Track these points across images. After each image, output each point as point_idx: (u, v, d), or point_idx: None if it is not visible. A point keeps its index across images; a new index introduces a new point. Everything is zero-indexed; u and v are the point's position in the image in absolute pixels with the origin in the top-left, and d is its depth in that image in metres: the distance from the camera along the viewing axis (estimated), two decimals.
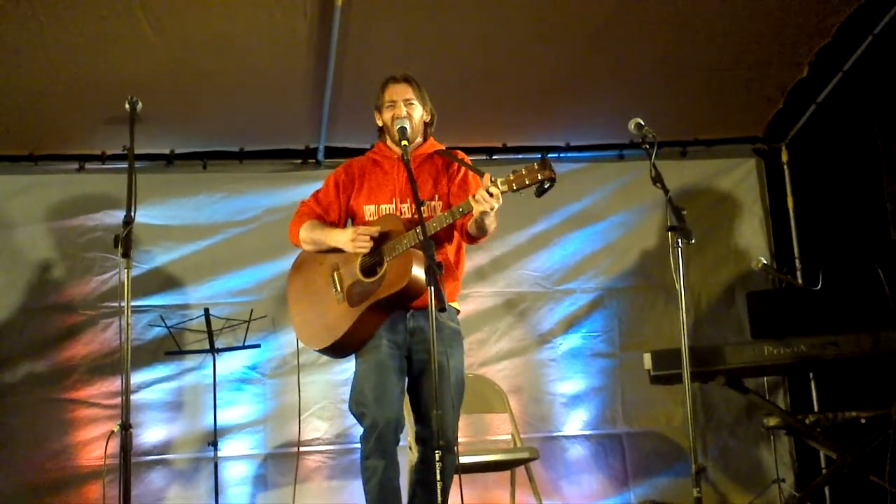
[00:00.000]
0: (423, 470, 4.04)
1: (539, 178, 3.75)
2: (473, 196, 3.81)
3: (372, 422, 3.97)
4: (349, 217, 4.31)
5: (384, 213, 4.18)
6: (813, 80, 6.33)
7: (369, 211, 4.20)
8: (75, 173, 6.32)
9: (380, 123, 4.29)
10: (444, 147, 4.33)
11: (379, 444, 3.96)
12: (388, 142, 4.27)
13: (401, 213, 4.14)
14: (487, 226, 3.97)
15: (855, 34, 5.96)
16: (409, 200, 4.13)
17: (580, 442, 6.54)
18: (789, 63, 6.23)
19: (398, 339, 4.09)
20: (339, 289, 4.13)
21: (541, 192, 3.78)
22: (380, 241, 4.05)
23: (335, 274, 4.15)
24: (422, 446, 4.08)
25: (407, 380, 4.15)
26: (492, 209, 3.81)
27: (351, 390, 4.12)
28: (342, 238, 4.10)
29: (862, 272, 5.32)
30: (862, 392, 5.73)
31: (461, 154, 4.28)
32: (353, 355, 4.17)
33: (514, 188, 3.79)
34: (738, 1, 5.67)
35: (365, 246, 4.03)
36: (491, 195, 3.77)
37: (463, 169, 4.22)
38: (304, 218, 4.27)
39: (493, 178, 3.81)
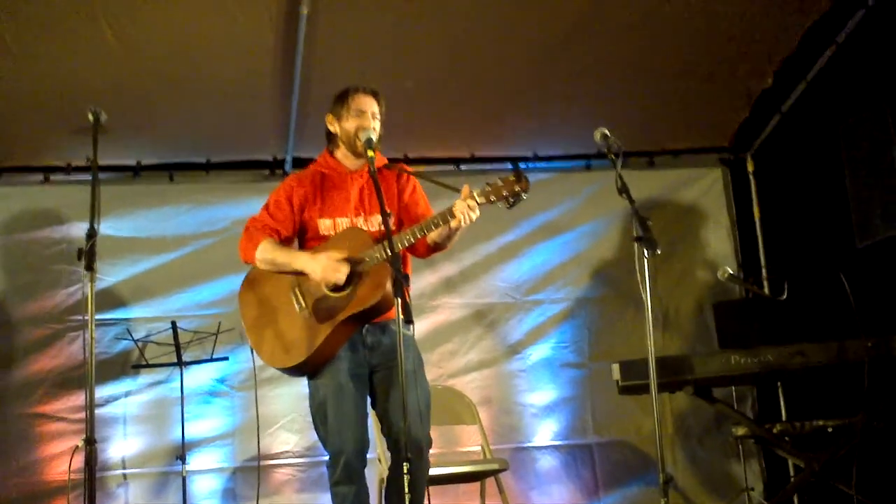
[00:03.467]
0: (396, 480, 3.97)
1: (515, 189, 3.80)
2: (453, 208, 3.82)
3: (337, 450, 3.95)
4: (301, 231, 4.22)
5: (340, 226, 4.12)
6: (778, 89, 6.38)
7: (325, 225, 4.14)
8: (40, 185, 6.27)
9: (334, 129, 4.21)
10: (387, 161, 4.26)
11: (346, 471, 3.93)
12: (339, 153, 4.21)
13: None
14: (455, 239, 4.00)
15: (818, 43, 6.01)
16: (363, 214, 4.11)
17: (550, 452, 6.54)
18: (754, 73, 6.29)
19: (359, 357, 4.06)
20: (303, 305, 4.03)
21: (514, 203, 3.82)
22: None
23: (296, 290, 4.06)
24: (394, 455, 4.03)
25: (373, 393, 4.11)
26: (471, 221, 3.83)
27: (312, 414, 4.08)
28: (313, 266, 3.97)
29: (828, 281, 5.34)
30: (829, 401, 5.76)
31: (408, 168, 4.27)
32: (307, 377, 4.10)
33: (491, 200, 3.83)
34: (702, 11, 5.70)
35: (340, 278, 3.93)
36: (469, 206, 3.79)
37: (412, 182, 4.22)
38: (259, 235, 4.12)
39: (470, 190, 3.82)
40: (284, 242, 4.17)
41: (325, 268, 3.94)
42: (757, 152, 6.97)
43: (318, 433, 4.07)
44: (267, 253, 4.09)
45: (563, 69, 6.03)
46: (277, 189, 4.26)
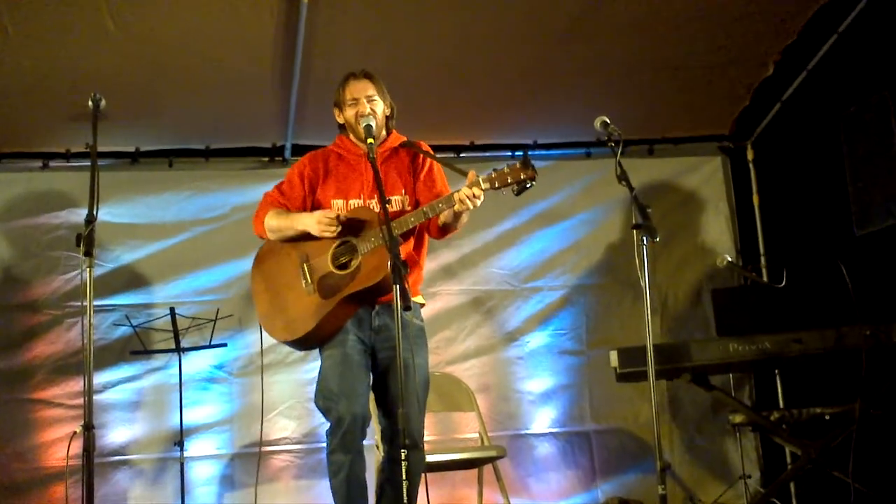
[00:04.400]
0: (390, 469, 4.02)
1: (521, 176, 3.81)
2: (457, 193, 3.84)
3: (338, 416, 3.96)
4: (314, 210, 4.26)
5: (352, 207, 4.16)
6: (778, 78, 6.37)
7: (337, 205, 4.18)
8: (39, 171, 6.26)
9: (340, 121, 4.28)
10: (406, 139, 4.31)
11: (345, 440, 3.95)
12: (352, 137, 4.26)
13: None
14: (463, 220, 4.03)
15: (820, 33, 6.00)
16: (376, 197, 4.12)
17: (548, 440, 6.55)
18: (755, 62, 6.27)
19: (364, 335, 4.10)
20: (309, 280, 4.10)
21: (521, 190, 3.82)
22: (353, 233, 4.04)
23: (305, 265, 4.12)
24: (388, 445, 4.07)
25: (372, 377, 4.14)
26: (474, 207, 3.84)
27: (317, 384, 4.11)
28: (309, 220, 4.06)
29: (826, 269, 5.35)
30: (826, 388, 5.77)
31: (424, 146, 4.29)
32: (318, 349, 4.16)
33: (496, 186, 3.84)
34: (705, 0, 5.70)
35: (331, 230, 4.01)
36: (474, 194, 3.80)
37: (428, 162, 4.25)
38: (267, 209, 4.25)
39: (476, 177, 3.83)
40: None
41: (318, 220, 4.02)
42: (757, 141, 6.96)
43: (318, 405, 4.08)
44: (272, 220, 4.21)
45: (564, 57, 6.01)
46: (293, 166, 4.36)
